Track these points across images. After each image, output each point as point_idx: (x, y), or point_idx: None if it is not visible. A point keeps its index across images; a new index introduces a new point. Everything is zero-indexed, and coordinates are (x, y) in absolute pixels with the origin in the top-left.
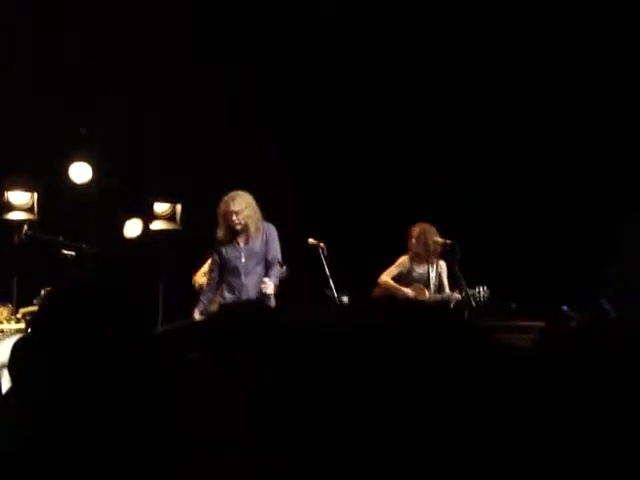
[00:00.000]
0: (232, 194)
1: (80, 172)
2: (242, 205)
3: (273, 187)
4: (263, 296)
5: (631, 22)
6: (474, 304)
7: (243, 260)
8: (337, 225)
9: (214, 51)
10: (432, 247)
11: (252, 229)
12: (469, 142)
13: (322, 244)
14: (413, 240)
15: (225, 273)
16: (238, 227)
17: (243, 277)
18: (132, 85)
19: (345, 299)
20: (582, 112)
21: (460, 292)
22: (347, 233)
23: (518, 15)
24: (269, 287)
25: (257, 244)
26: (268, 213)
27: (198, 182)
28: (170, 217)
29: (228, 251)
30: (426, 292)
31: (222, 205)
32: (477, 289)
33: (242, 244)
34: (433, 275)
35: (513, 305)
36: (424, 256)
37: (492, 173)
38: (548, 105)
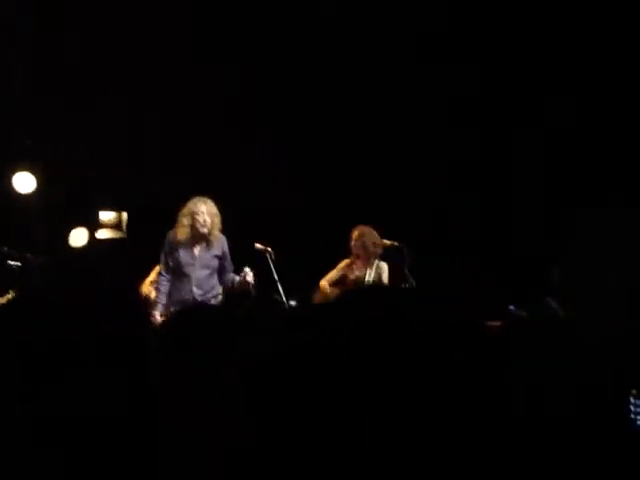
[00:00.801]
0: (202, 197)
1: (24, 182)
2: (213, 210)
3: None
4: (245, 284)
5: (631, 22)
6: None
7: (196, 268)
8: (286, 228)
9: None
10: (371, 249)
11: (213, 237)
12: (469, 142)
13: (269, 248)
14: (352, 242)
15: (174, 277)
16: (203, 230)
17: (194, 285)
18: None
19: (293, 303)
20: (582, 112)
21: None
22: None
23: (518, 15)
24: (250, 275)
25: (211, 253)
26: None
27: (145, 190)
28: (116, 225)
29: (182, 255)
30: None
31: (191, 205)
32: None
33: (197, 252)
34: (370, 277)
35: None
36: (363, 258)
37: (492, 174)
38: (548, 105)
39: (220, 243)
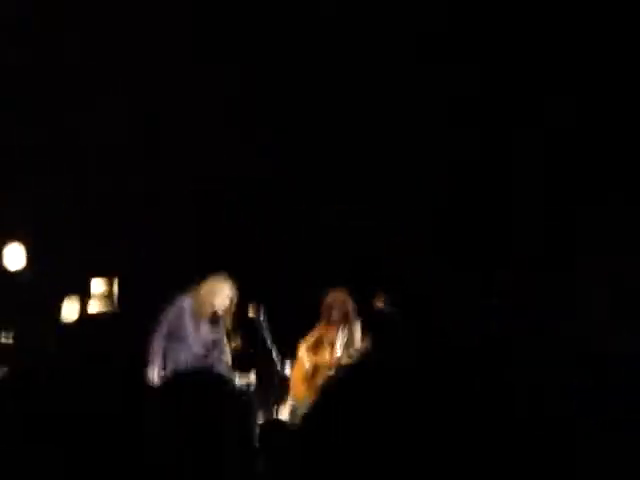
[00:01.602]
0: (227, 278)
1: (14, 255)
2: (232, 296)
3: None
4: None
5: (630, 22)
6: None
7: (199, 344)
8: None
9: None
10: (349, 313)
11: (222, 321)
12: (469, 143)
13: (260, 307)
14: (332, 310)
15: (171, 343)
16: (220, 313)
17: (189, 361)
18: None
19: (287, 370)
20: (582, 112)
21: None
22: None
23: (517, 15)
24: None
25: (213, 336)
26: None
27: (134, 256)
28: (106, 296)
29: (189, 327)
30: (326, 355)
31: (218, 285)
32: None
33: (203, 330)
34: (341, 339)
35: None
36: (336, 322)
37: (492, 174)
38: (548, 105)
39: (221, 328)
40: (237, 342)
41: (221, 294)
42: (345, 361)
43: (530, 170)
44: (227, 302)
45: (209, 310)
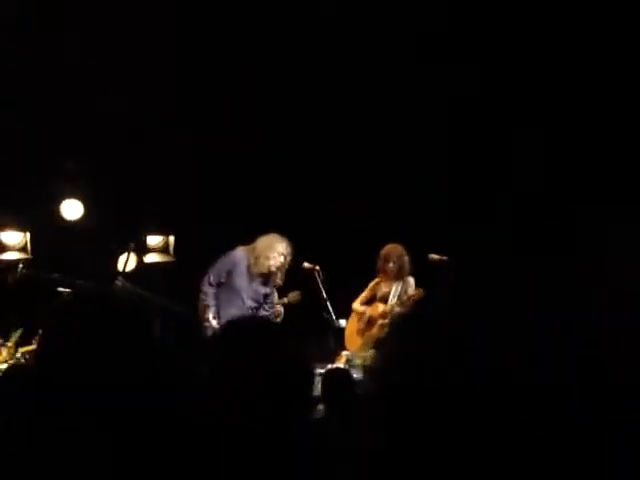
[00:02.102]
0: (285, 239)
1: (71, 209)
2: (289, 256)
3: (265, 213)
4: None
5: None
6: None
7: (248, 298)
8: (334, 246)
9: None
10: (405, 266)
11: (275, 278)
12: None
13: (317, 267)
14: (388, 263)
15: (224, 293)
16: (273, 270)
17: (242, 309)
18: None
19: (342, 323)
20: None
21: None
22: (344, 254)
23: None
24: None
25: (264, 290)
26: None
27: (191, 213)
28: (163, 249)
29: (242, 281)
30: (379, 307)
31: (276, 243)
32: None
33: (254, 284)
34: (393, 293)
35: None
36: (391, 275)
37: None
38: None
39: (271, 284)
40: (296, 295)
41: (276, 251)
42: (397, 311)
43: (530, 171)
44: (281, 260)
45: (265, 266)
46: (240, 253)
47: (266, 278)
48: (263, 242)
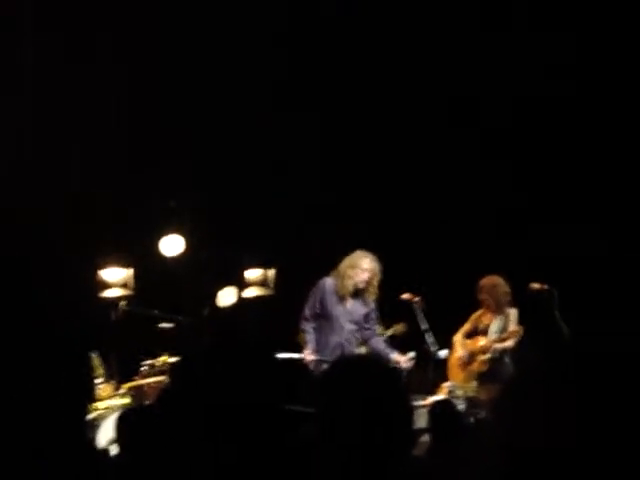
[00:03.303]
0: (368, 253)
1: (172, 244)
2: (377, 269)
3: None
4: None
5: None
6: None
7: (346, 321)
8: (436, 276)
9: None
10: (502, 300)
11: (368, 295)
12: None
13: (417, 298)
14: (482, 294)
15: (322, 325)
16: (362, 286)
17: (344, 338)
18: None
19: (443, 353)
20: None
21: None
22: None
23: None
24: (408, 363)
25: (362, 311)
26: None
27: (290, 247)
28: (263, 283)
29: (334, 306)
30: (479, 341)
31: (357, 259)
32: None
33: (349, 306)
34: (496, 326)
35: None
36: (492, 308)
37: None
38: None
39: (370, 302)
40: (401, 327)
41: (360, 268)
42: (495, 347)
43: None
44: (367, 275)
45: (350, 285)
46: (327, 280)
47: (360, 298)
48: (346, 262)
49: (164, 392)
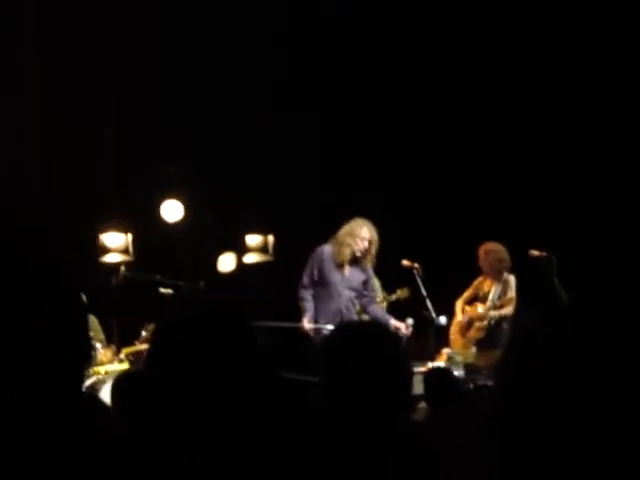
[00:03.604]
0: (366, 221)
1: (172, 210)
2: (375, 237)
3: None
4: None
5: None
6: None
7: (344, 288)
8: (432, 244)
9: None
10: (496, 267)
11: (366, 262)
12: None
13: (416, 265)
14: (480, 261)
15: (320, 293)
16: (359, 254)
17: (342, 305)
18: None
19: (442, 320)
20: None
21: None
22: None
23: None
24: (408, 330)
25: (359, 278)
26: None
27: (289, 213)
28: (263, 249)
29: (332, 273)
30: (479, 307)
31: (355, 227)
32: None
33: (347, 273)
34: (493, 293)
35: None
36: (491, 275)
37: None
38: None
39: (368, 269)
40: (404, 291)
41: (358, 237)
42: (491, 314)
43: None
44: (365, 243)
45: (348, 253)
46: (325, 248)
47: (358, 265)
48: (344, 230)
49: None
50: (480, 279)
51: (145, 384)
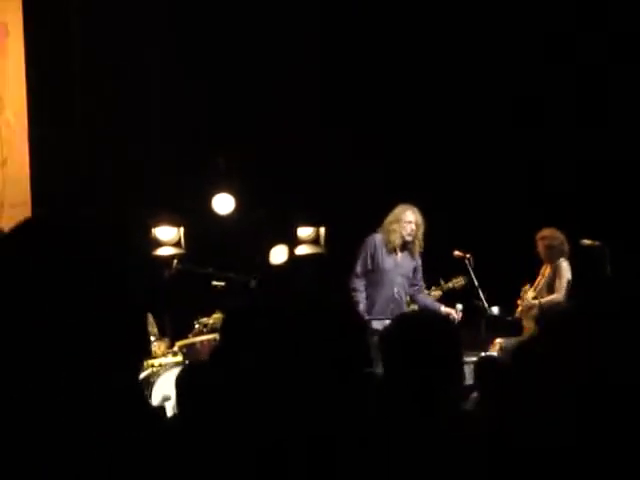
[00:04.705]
0: (411, 206)
1: (223, 203)
2: (420, 220)
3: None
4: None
5: None
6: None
7: (397, 274)
8: (484, 235)
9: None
10: (546, 253)
11: (415, 247)
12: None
13: (468, 255)
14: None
15: (374, 280)
16: (408, 239)
17: (395, 290)
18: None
19: (495, 310)
20: None
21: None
22: (496, 242)
23: None
24: (458, 315)
25: (411, 264)
26: None
27: (340, 205)
28: (314, 241)
29: (385, 259)
30: (529, 293)
31: (400, 212)
32: None
33: (399, 259)
34: (543, 280)
35: None
36: (546, 261)
37: None
38: None
39: (417, 255)
40: (460, 280)
41: (404, 221)
42: (532, 302)
43: None
44: (412, 227)
45: (397, 238)
46: (376, 236)
47: (407, 252)
48: (390, 217)
49: (215, 349)
50: (543, 266)
51: (207, 376)
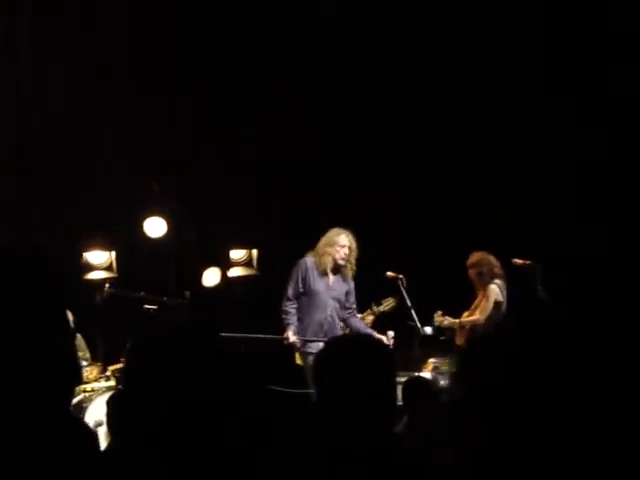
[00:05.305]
0: (345, 230)
1: (155, 226)
2: (353, 245)
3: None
4: None
5: None
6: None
7: (329, 298)
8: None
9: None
10: (477, 278)
11: (347, 272)
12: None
13: (401, 276)
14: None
15: (306, 303)
16: (341, 262)
17: (328, 313)
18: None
19: (428, 330)
20: None
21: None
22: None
23: None
24: (389, 341)
25: (343, 288)
26: None
27: (273, 227)
28: (247, 263)
29: (317, 282)
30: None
31: (334, 236)
32: None
33: (331, 282)
34: (477, 300)
35: None
36: (478, 285)
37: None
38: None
39: (350, 279)
40: (391, 302)
41: (338, 245)
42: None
43: None
44: (345, 251)
45: (329, 262)
46: (308, 259)
47: (340, 275)
48: (323, 240)
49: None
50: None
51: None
